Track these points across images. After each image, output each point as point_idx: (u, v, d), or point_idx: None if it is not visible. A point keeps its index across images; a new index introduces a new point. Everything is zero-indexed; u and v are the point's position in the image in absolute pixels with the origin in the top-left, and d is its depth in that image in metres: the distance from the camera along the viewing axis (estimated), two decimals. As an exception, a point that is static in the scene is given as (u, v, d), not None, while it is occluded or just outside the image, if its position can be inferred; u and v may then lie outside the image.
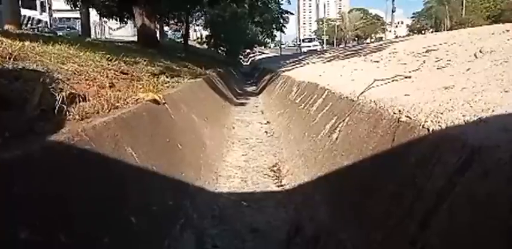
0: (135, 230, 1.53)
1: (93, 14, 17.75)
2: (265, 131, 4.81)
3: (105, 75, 3.28)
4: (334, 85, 3.51)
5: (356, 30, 39.45)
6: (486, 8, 43.99)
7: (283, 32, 20.52)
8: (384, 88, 2.59)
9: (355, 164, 2.04)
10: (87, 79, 2.96)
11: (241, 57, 32.26)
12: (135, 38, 12.90)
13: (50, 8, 27.04)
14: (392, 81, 2.79)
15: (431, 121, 1.55)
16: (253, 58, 35.98)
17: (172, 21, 20.46)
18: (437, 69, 2.80)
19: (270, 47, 43.00)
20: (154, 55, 7.69)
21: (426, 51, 3.83)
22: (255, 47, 33.09)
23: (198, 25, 25.60)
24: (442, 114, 1.57)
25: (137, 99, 2.75)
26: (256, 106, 7.32)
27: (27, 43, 3.46)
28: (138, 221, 1.56)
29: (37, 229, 1.12)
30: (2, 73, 2.31)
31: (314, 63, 7.51)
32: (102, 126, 1.81)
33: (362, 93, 2.68)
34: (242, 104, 7.65)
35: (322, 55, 9.61)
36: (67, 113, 2.10)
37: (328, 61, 6.62)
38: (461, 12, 44.09)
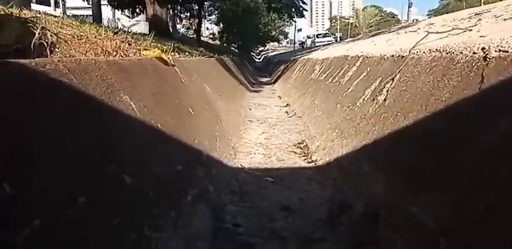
0: (130, 192, 1.08)
1: (107, 10, 17.47)
2: (286, 112, 4.33)
3: (108, 42, 2.87)
4: (370, 52, 3.02)
5: (370, 27, 38.62)
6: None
7: (304, 16, 19.65)
8: (443, 41, 2.10)
9: (421, 122, 1.56)
10: (87, 43, 2.55)
11: (253, 54, 31.74)
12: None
13: (64, 5, 27.06)
14: (449, 35, 2.30)
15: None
16: (265, 55, 35.44)
17: (183, 15, 20.11)
18: (504, 20, 2.30)
19: (282, 44, 42.51)
20: (164, 41, 7.28)
21: (475, 15, 3.31)
22: (268, 43, 32.53)
23: (209, 21, 25.17)
24: None
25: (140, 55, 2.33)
26: (273, 93, 6.85)
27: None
28: (134, 182, 1.11)
29: None
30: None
31: (335, 46, 7.01)
32: (90, 63, 1.37)
33: (413, 47, 2.20)
34: (257, 91, 7.18)
35: (340, 42, 9.10)
36: (48, 55, 1.70)
37: (351, 41, 6.12)
38: (480, 8, 42.72)
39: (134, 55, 2.37)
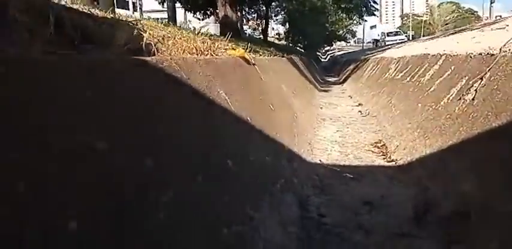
0: (232, 174, 1.20)
1: (179, 14, 18.34)
2: (359, 111, 4.29)
3: (200, 43, 3.11)
4: (453, 50, 2.90)
5: (446, 24, 36.13)
6: None
7: (374, 15, 19.03)
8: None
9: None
10: (174, 44, 2.78)
11: (319, 54, 31.28)
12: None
13: (141, 8, 29.04)
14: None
15: None
16: (331, 54, 34.80)
17: (250, 17, 20.51)
18: None
19: (349, 43, 41.48)
20: (237, 41, 7.54)
21: None
22: (334, 42, 31.90)
23: (275, 22, 25.31)
24: None
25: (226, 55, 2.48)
26: (342, 93, 6.78)
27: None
28: (235, 167, 1.23)
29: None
30: (95, 18, 2.20)
31: (409, 45, 6.74)
32: (193, 61, 1.53)
33: (505, 44, 2.09)
34: (326, 91, 7.15)
35: (415, 40, 8.71)
36: (155, 53, 1.89)
37: (428, 39, 5.85)
38: None
39: (222, 54, 2.53)
